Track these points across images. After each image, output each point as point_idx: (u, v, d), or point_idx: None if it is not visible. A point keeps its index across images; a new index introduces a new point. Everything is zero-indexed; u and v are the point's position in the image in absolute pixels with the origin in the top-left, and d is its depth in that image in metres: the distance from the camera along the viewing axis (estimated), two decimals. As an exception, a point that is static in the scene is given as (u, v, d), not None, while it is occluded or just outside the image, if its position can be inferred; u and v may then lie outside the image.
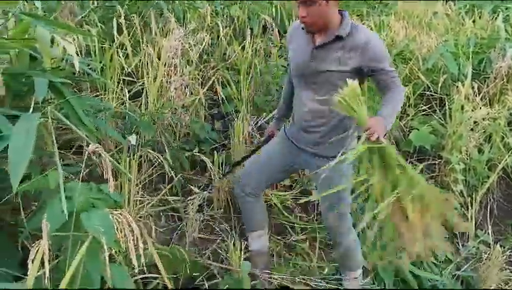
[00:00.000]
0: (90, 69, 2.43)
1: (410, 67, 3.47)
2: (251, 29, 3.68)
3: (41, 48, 1.64)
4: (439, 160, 3.06)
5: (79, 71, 2.02)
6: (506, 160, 2.86)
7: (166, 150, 2.28)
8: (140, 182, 2.25)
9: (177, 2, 3.55)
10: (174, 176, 2.34)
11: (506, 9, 4.95)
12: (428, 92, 3.45)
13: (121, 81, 2.67)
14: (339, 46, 1.69)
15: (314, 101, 1.79)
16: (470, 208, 2.68)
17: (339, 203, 1.86)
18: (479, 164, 2.88)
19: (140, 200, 2.26)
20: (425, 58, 3.53)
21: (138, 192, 2.23)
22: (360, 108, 1.52)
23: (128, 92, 2.62)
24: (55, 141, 1.33)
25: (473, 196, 2.74)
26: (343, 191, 1.80)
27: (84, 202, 1.31)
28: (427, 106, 3.39)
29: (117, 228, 1.14)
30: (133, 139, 1.92)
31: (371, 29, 3.69)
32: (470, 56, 3.52)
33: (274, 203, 2.64)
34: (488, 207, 2.91)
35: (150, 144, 2.49)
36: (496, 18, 4.51)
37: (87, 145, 1.32)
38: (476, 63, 3.66)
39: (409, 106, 3.36)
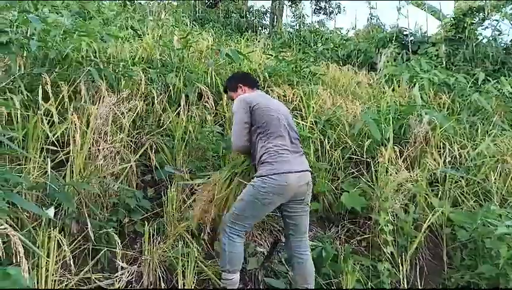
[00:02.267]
0: (10, 138, 2.31)
1: (338, 133, 3.67)
2: (186, 96, 3.74)
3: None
4: (369, 221, 3.17)
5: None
6: (430, 220, 3.02)
7: (88, 222, 2.13)
8: (60, 259, 2.07)
9: (110, 69, 3.55)
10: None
11: (421, 78, 5.52)
12: (355, 156, 3.64)
13: (44, 150, 2.53)
14: None
15: None
16: (401, 268, 2.76)
17: (233, 207, 2.35)
18: (406, 224, 3.02)
19: (60, 279, 2.06)
20: (351, 124, 3.77)
21: (57, 271, 2.04)
22: None
23: (52, 161, 2.48)
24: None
25: (403, 256, 2.83)
26: (240, 203, 2.32)
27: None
28: (356, 169, 3.56)
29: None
30: (51, 212, 1.80)
31: (301, 97, 3.91)
32: (391, 122, 3.82)
33: (210, 276, 2.53)
34: (418, 267, 3.01)
35: (74, 216, 2.33)
36: (413, 86, 5.01)
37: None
38: (397, 128, 3.98)
39: (338, 169, 3.51)
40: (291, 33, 10.32)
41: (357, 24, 10.99)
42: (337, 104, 4.15)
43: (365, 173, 3.49)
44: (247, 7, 12.96)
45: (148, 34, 5.22)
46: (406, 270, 2.80)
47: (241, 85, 2.71)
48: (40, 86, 2.62)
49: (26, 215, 2.17)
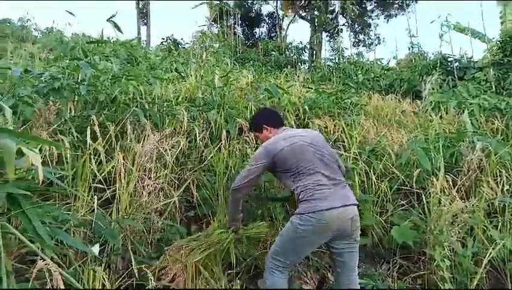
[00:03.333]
0: (59, 177, 2.40)
1: (384, 163, 3.53)
2: (228, 131, 3.79)
3: (5, 160, 1.62)
4: (424, 256, 2.96)
5: (47, 180, 1.99)
6: (491, 253, 2.77)
7: (133, 259, 2.14)
8: (104, 296, 2.07)
9: (155, 109, 3.69)
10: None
11: (470, 104, 5.28)
12: (404, 187, 3.47)
13: (92, 188, 2.61)
14: None
15: None
16: (461, 308, 2.52)
17: (275, 242, 2.32)
18: (465, 259, 2.78)
19: (104, 317, 2.06)
20: (398, 154, 3.62)
21: (102, 308, 2.03)
22: None
23: (100, 199, 2.55)
24: (2, 257, 1.24)
25: (464, 294, 2.59)
26: (280, 239, 2.28)
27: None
28: (406, 201, 3.38)
29: None
30: (95, 249, 1.82)
31: (343, 128, 3.84)
32: (441, 150, 3.63)
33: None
34: (481, 306, 2.75)
35: (119, 252, 2.36)
36: (462, 113, 4.78)
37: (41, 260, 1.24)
38: (448, 156, 3.77)
39: (387, 201, 3.35)
40: (331, 66, 10.35)
41: (398, 54, 10.83)
42: (381, 133, 4.02)
43: (416, 204, 3.30)
44: (285, 44, 13.24)
45: (191, 76, 5.42)
46: (468, 310, 2.56)
47: (266, 126, 2.65)
48: (89, 127, 2.75)
49: (73, 252, 2.21)
